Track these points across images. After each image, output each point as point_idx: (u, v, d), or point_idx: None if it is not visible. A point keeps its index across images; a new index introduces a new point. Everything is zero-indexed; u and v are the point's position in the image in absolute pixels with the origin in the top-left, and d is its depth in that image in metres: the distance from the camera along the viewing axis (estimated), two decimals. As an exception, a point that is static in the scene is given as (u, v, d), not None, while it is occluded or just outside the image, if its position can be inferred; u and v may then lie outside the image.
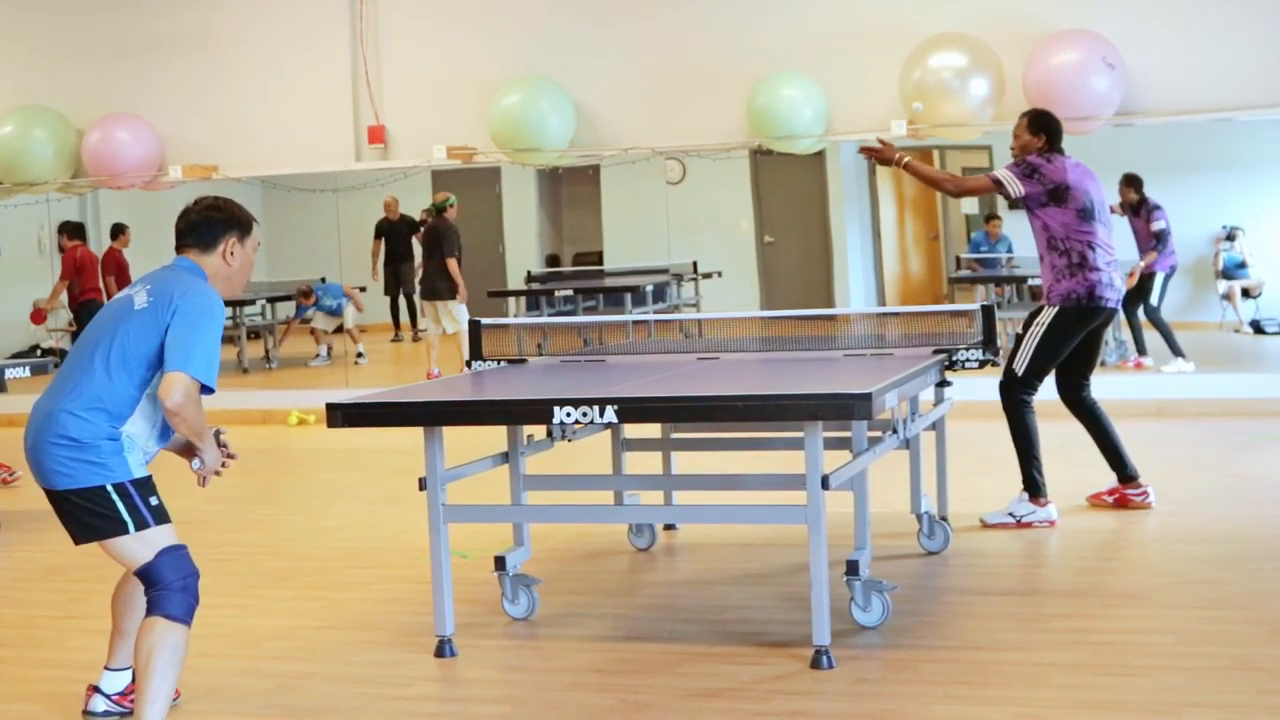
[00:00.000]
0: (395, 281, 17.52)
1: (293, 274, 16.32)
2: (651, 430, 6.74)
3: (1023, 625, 5.15)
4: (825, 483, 4.61)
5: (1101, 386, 10.71)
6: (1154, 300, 11.57)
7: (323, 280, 16.87)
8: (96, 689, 4.48)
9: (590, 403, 4.57)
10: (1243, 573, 5.73)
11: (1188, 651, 4.72)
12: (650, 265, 16.16)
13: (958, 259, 14.89)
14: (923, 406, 6.28)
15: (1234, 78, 10.32)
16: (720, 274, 16.21)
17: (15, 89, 12.92)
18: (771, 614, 5.42)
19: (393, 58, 12.17)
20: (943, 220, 16.62)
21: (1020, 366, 6.64)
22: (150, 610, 4.11)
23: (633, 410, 4.68)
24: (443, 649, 5.01)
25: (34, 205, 13.66)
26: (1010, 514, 6.70)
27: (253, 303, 15.49)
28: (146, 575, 4.14)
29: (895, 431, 5.62)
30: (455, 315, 12.84)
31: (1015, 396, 6.68)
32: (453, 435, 5.09)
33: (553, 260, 19.56)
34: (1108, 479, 7.02)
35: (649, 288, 14.46)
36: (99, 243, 16.30)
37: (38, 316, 14.49)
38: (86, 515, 4.13)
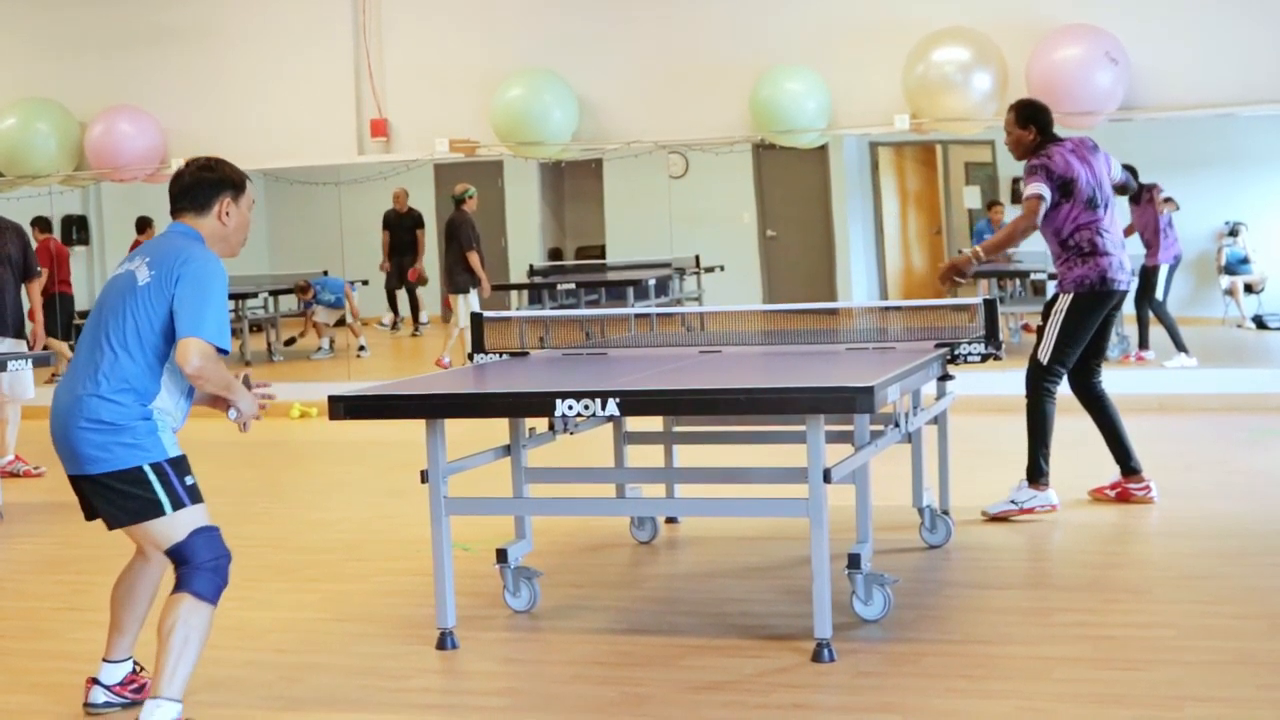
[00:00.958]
0: (398, 274, 17.50)
1: (295, 267, 16.33)
2: (653, 423, 6.74)
3: (1024, 619, 5.15)
4: (827, 476, 4.61)
5: (1104, 380, 10.75)
6: (1159, 294, 11.53)
7: (325, 274, 16.87)
8: (95, 681, 4.48)
9: (592, 395, 4.57)
10: (1244, 567, 5.73)
11: (1189, 645, 4.72)
12: (652, 259, 16.16)
13: (959, 252, 14.87)
14: (925, 400, 6.28)
15: (1237, 73, 10.31)
16: (723, 268, 16.21)
17: (18, 81, 12.93)
18: (773, 607, 5.42)
19: (395, 50, 12.17)
20: (946, 215, 16.61)
21: (1045, 355, 6.70)
22: (179, 587, 4.11)
23: (635, 403, 4.68)
24: (444, 641, 5.01)
25: (36, 198, 13.66)
26: (1012, 501, 6.72)
27: (255, 295, 15.51)
28: (178, 553, 4.13)
29: (897, 425, 5.61)
30: (464, 306, 12.78)
31: (1040, 385, 6.73)
32: (454, 428, 5.09)
33: (555, 254, 19.55)
34: (1111, 473, 7.02)
35: (651, 281, 14.45)
36: (99, 238, 16.37)
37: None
38: (122, 498, 4.12)
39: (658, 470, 6.63)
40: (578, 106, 11.62)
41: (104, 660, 4.50)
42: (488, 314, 6.45)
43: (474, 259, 12.54)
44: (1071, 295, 6.67)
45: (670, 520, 6.89)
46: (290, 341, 16.05)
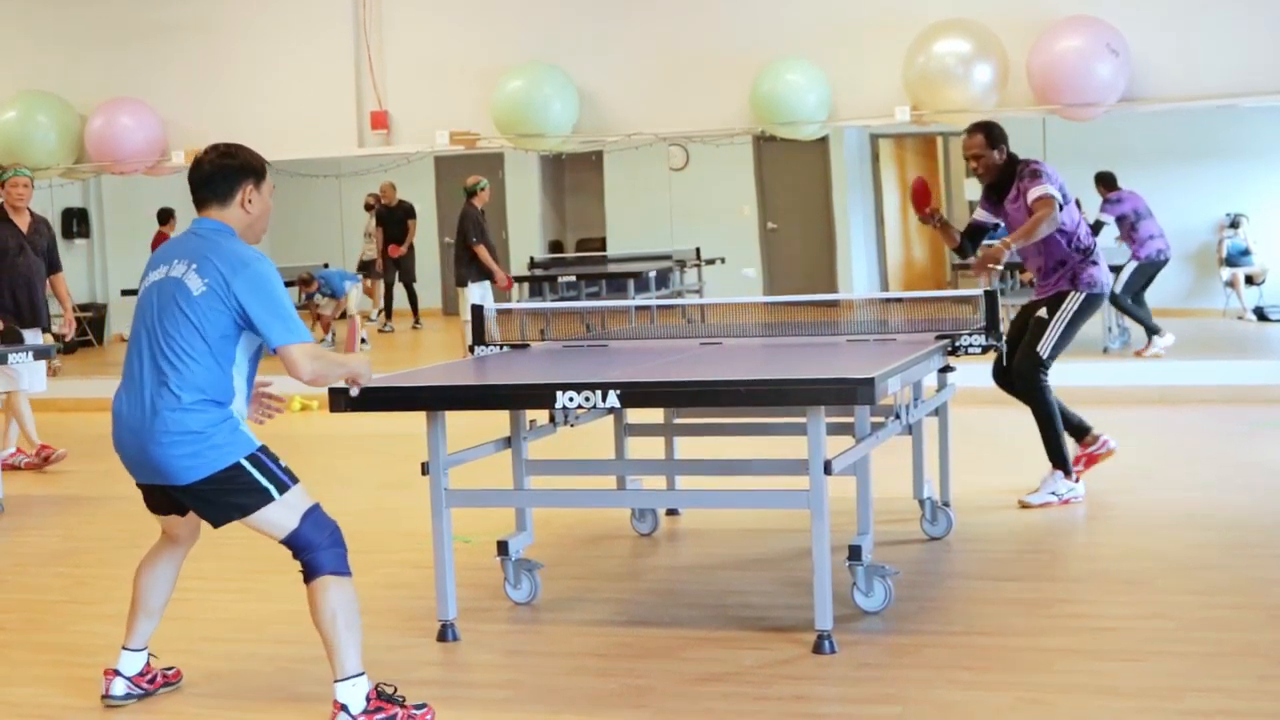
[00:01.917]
0: (394, 267, 17.49)
1: (296, 259, 16.33)
2: (654, 415, 6.74)
3: (1025, 610, 5.16)
4: (828, 468, 4.61)
5: (1104, 374, 10.77)
6: (1118, 287, 11.44)
7: (325, 266, 16.88)
8: (116, 672, 4.46)
9: (593, 387, 4.57)
10: (1244, 559, 5.74)
11: (1189, 637, 4.73)
12: (653, 251, 16.16)
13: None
14: (925, 392, 6.28)
15: (1239, 64, 10.30)
16: (723, 260, 16.21)
17: (19, 74, 12.92)
18: (774, 599, 5.43)
19: (396, 43, 12.16)
20: (947, 207, 16.60)
21: (1046, 350, 6.77)
22: (313, 574, 4.16)
23: (635, 395, 4.68)
24: (445, 633, 5.02)
25: (37, 190, 13.60)
26: (1053, 493, 6.82)
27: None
28: (295, 542, 4.18)
29: (898, 417, 5.62)
30: (465, 300, 12.58)
31: (1037, 379, 6.78)
32: (455, 420, 5.09)
33: (556, 246, 19.57)
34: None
35: (652, 274, 14.45)
36: (99, 231, 16.37)
37: None
38: (226, 496, 4.13)
39: (658, 462, 6.63)
40: (578, 99, 11.61)
41: (124, 648, 4.48)
42: (490, 305, 6.44)
43: (482, 253, 12.32)
44: (1084, 295, 6.78)
45: (671, 512, 6.89)
46: None
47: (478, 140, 11.91)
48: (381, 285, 17.67)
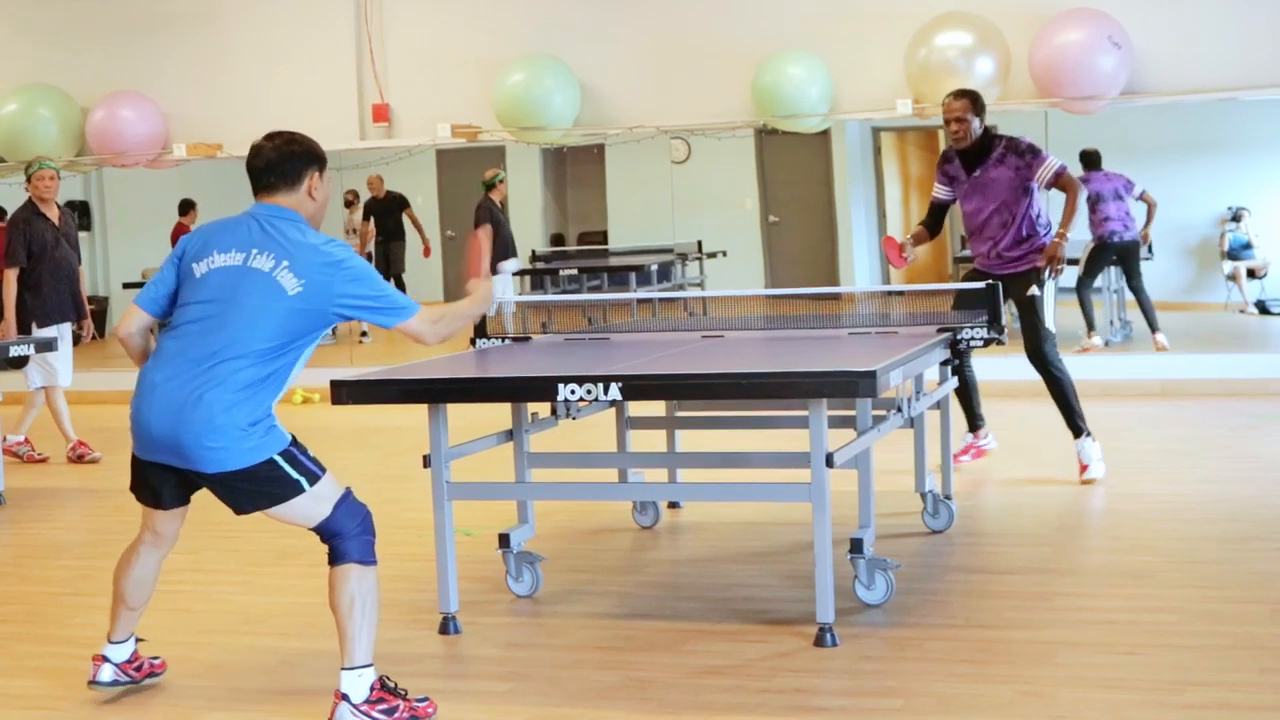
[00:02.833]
0: (385, 261, 17.46)
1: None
2: (656, 408, 6.74)
3: (1027, 604, 5.15)
4: (829, 461, 4.61)
5: (1106, 366, 10.78)
6: (1080, 272, 11.45)
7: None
8: (105, 658, 4.44)
9: (595, 380, 4.56)
10: (1245, 552, 5.74)
11: (1191, 630, 4.73)
12: (655, 244, 16.14)
13: (963, 238, 14.86)
14: (927, 385, 6.28)
15: (1240, 57, 10.29)
16: (725, 253, 16.19)
17: (20, 67, 12.92)
18: (775, 592, 5.43)
19: (397, 36, 12.15)
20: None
21: (1050, 323, 7.01)
22: (339, 559, 4.11)
23: (637, 387, 4.67)
24: (447, 626, 5.02)
25: (38, 184, 13.63)
26: (1100, 460, 7.05)
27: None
28: (327, 529, 4.13)
29: (900, 410, 5.61)
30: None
31: (1055, 352, 7.00)
32: (457, 413, 5.09)
33: (557, 239, 19.53)
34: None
35: (653, 267, 14.43)
36: (101, 224, 16.34)
37: None
38: (257, 486, 4.08)
39: (660, 455, 6.63)
40: (580, 92, 11.60)
41: (109, 640, 4.46)
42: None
43: (477, 240, 12.26)
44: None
45: (672, 505, 6.89)
46: None
47: (479, 133, 11.91)
48: None
